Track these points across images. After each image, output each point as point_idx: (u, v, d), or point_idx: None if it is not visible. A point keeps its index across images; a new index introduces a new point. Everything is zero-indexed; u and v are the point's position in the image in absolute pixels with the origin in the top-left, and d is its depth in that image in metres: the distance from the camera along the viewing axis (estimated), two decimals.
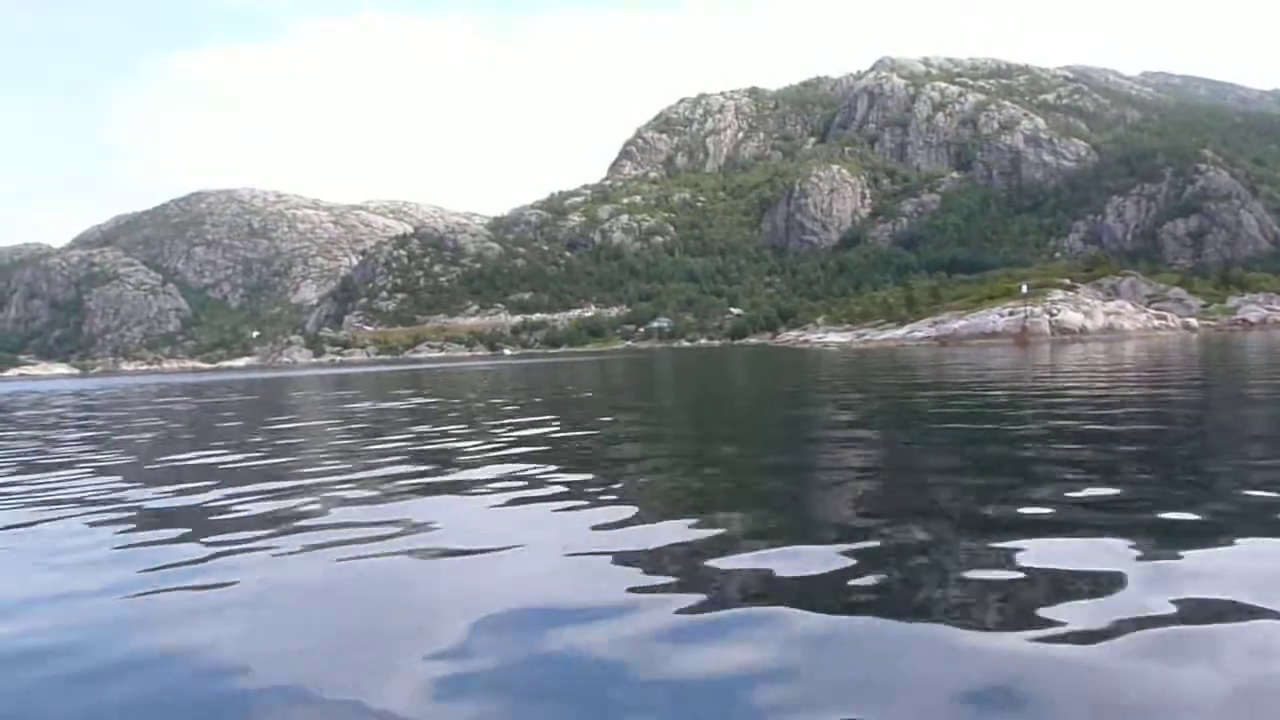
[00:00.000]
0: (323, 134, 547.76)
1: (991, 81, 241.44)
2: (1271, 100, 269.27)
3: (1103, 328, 50.51)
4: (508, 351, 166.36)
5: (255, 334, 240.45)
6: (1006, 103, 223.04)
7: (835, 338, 69.51)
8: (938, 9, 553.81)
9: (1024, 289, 56.02)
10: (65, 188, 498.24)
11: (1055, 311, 51.71)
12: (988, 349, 44.21)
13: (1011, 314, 52.76)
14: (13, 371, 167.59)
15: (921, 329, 57.26)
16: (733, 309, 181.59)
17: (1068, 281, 63.15)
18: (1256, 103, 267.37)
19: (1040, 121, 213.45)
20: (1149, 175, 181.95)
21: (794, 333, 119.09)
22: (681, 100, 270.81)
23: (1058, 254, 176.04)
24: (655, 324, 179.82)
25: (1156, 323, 53.51)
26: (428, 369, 57.50)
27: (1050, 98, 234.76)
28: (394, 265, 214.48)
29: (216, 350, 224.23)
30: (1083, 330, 49.52)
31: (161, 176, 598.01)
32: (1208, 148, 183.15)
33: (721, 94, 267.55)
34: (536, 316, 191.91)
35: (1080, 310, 52.28)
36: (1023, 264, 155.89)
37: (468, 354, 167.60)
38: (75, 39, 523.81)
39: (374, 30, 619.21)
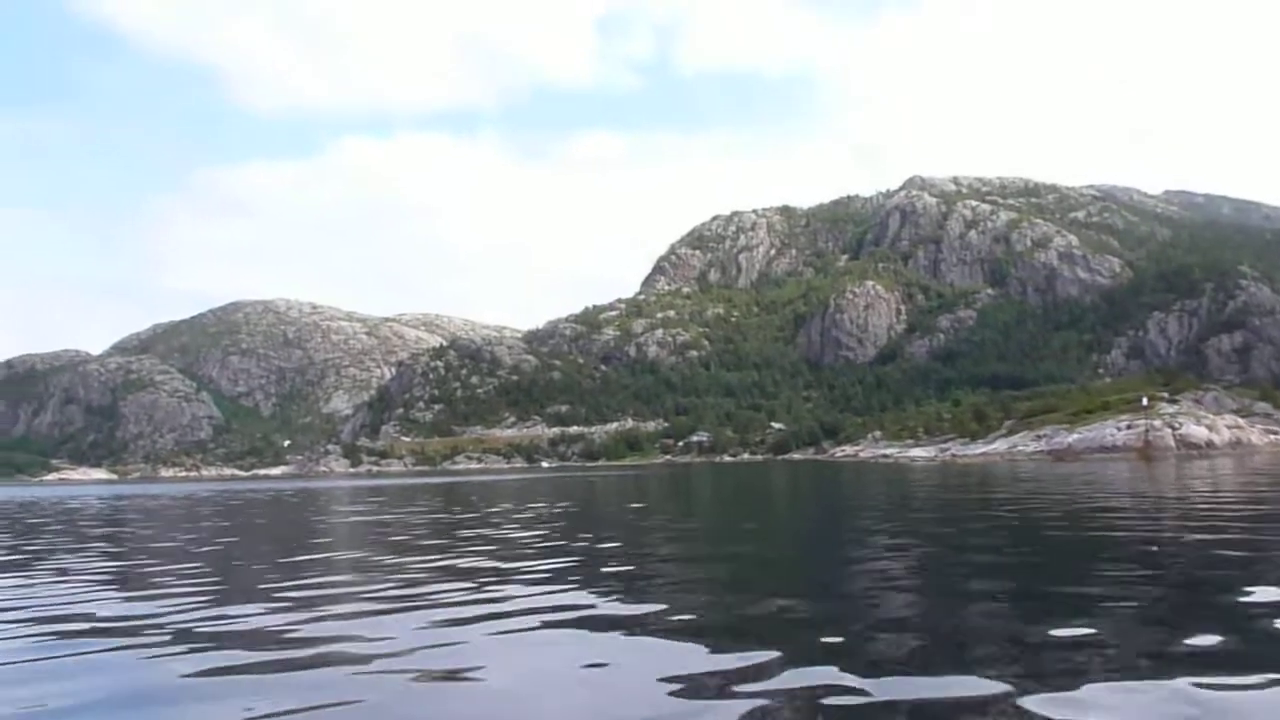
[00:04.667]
0: (358, 247, 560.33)
1: (1021, 200, 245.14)
2: None
3: (1229, 442, 49.17)
4: (545, 464, 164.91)
5: (287, 443, 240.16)
6: (1038, 220, 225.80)
7: (919, 453, 68.00)
8: (961, 132, 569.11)
9: (1144, 401, 54.83)
10: (106, 296, 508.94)
11: (1178, 425, 50.45)
12: (1112, 464, 42.81)
13: (1129, 427, 51.50)
14: (51, 476, 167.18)
15: (1025, 442, 55.92)
16: (773, 423, 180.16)
17: (1166, 395, 62.05)
18: None
19: (1073, 239, 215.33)
20: (1188, 291, 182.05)
21: (849, 448, 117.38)
22: (715, 217, 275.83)
23: (1100, 369, 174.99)
24: (695, 438, 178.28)
25: (1272, 437, 52.13)
26: (507, 480, 56.44)
27: (1080, 215, 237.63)
28: (431, 376, 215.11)
29: (248, 458, 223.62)
30: (1209, 445, 48.17)
31: (201, 287, 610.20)
32: (1244, 264, 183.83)
33: (754, 211, 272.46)
34: (574, 429, 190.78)
35: (1203, 424, 51.04)
36: (1067, 380, 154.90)
37: (506, 465, 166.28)
38: (123, 154, 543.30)
39: (409, 149, 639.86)
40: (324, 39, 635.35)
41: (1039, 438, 56.13)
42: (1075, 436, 53.36)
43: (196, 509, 26.67)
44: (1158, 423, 51.31)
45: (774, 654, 4.59)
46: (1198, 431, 49.73)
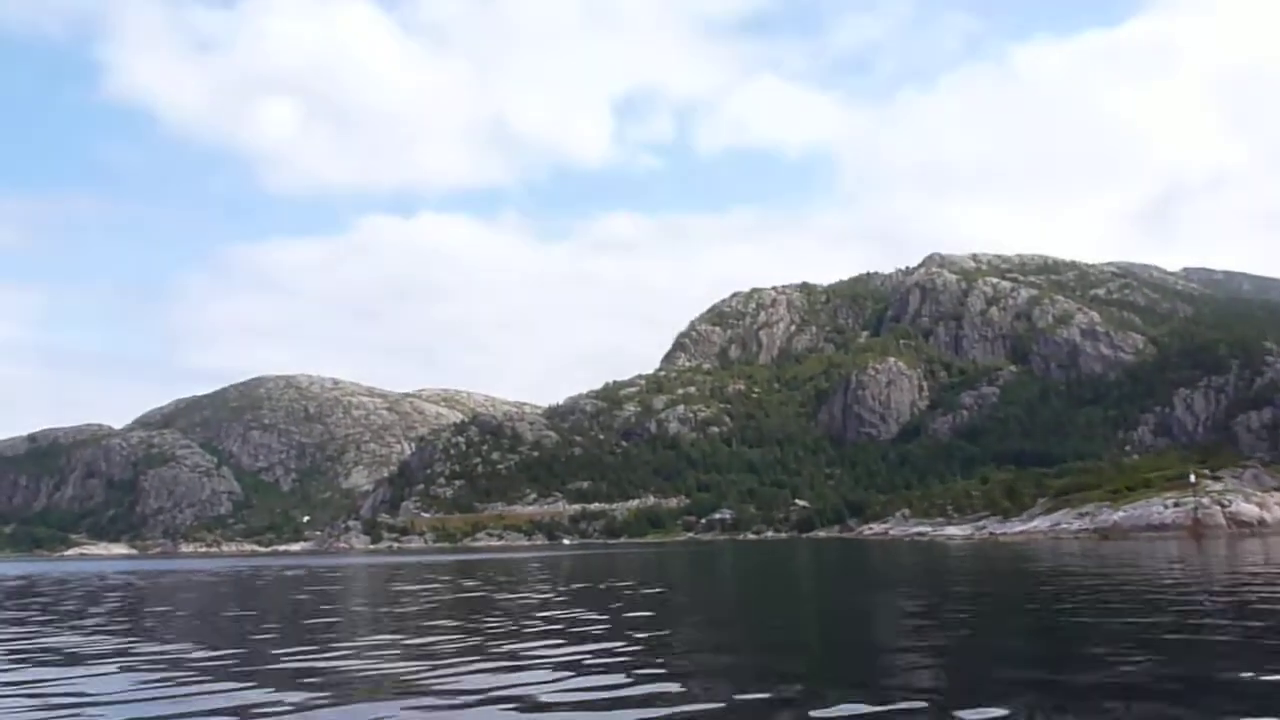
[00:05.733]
0: (380, 324, 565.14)
1: (1041, 277, 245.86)
2: None
3: None
4: (567, 541, 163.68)
5: (306, 518, 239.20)
6: (1059, 297, 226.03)
7: (955, 531, 66.96)
8: (979, 210, 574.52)
9: (1192, 478, 54.07)
10: (131, 371, 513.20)
11: (1227, 503, 49.60)
12: (1162, 543, 42.04)
13: (1177, 505, 50.68)
14: (71, 551, 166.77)
15: (1068, 520, 55.01)
16: (797, 500, 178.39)
17: (1207, 471, 61.14)
18: None
19: (1095, 315, 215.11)
20: (1214, 368, 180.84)
21: (877, 526, 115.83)
22: (734, 294, 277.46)
23: (1127, 447, 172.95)
24: (718, 515, 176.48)
25: None
26: (544, 556, 55.88)
27: (1101, 292, 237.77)
28: (452, 452, 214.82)
29: (267, 534, 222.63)
30: (1260, 523, 47.24)
31: (224, 362, 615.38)
32: (1269, 340, 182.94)
33: (773, 288, 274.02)
34: (595, 506, 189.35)
35: (1252, 502, 50.16)
36: (1094, 457, 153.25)
37: (527, 543, 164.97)
38: (151, 232, 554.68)
39: (431, 228, 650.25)
40: (350, 122, 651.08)
41: (1082, 515, 55.22)
42: (1121, 514, 52.44)
43: (300, 584, 26.59)
44: (1206, 500, 50.46)
45: None
46: (1248, 509, 48.84)
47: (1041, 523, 57.41)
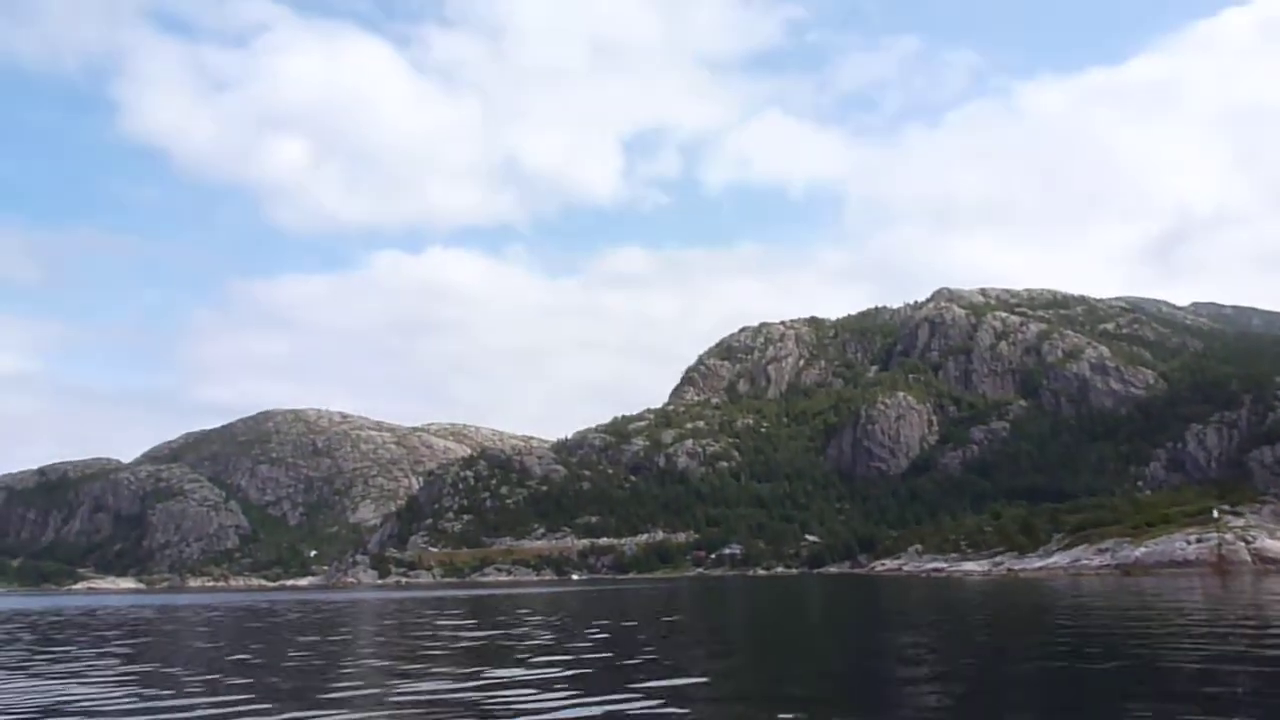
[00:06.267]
0: (389, 358, 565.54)
1: (1050, 311, 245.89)
2: None
3: None
4: (576, 576, 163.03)
5: (313, 553, 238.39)
6: (1068, 331, 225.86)
7: (971, 567, 66.47)
8: (986, 245, 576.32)
9: (1215, 514, 53.71)
10: (140, 405, 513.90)
11: (1251, 539, 49.26)
12: (1183, 579, 41.74)
13: (1200, 540, 50.34)
14: (80, 585, 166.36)
15: (1088, 556, 54.63)
16: (807, 535, 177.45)
17: (1227, 506, 60.74)
18: None
19: (1104, 350, 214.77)
20: (1226, 403, 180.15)
21: (889, 561, 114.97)
22: (743, 329, 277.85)
23: (1140, 482, 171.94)
24: (727, 550, 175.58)
25: None
26: (567, 591, 55.68)
27: (1110, 327, 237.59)
28: (460, 486, 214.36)
29: (274, 568, 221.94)
30: None
31: (233, 396, 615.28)
32: None
33: (782, 323, 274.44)
34: (603, 541, 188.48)
35: (1277, 538, 49.79)
36: (1106, 492, 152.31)
37: (536, 578, 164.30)
38: (163, 268, 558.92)
39: (440, 263, 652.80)
40: (361, 159, 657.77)
41: (1102, 551, 54.84)
42: (1143, 550, 52.09)
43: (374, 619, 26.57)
44: (1229, 536, 50.14)
45: None
46: (1273, 545, 48.47)
47: (1061, 559, 57.00)
